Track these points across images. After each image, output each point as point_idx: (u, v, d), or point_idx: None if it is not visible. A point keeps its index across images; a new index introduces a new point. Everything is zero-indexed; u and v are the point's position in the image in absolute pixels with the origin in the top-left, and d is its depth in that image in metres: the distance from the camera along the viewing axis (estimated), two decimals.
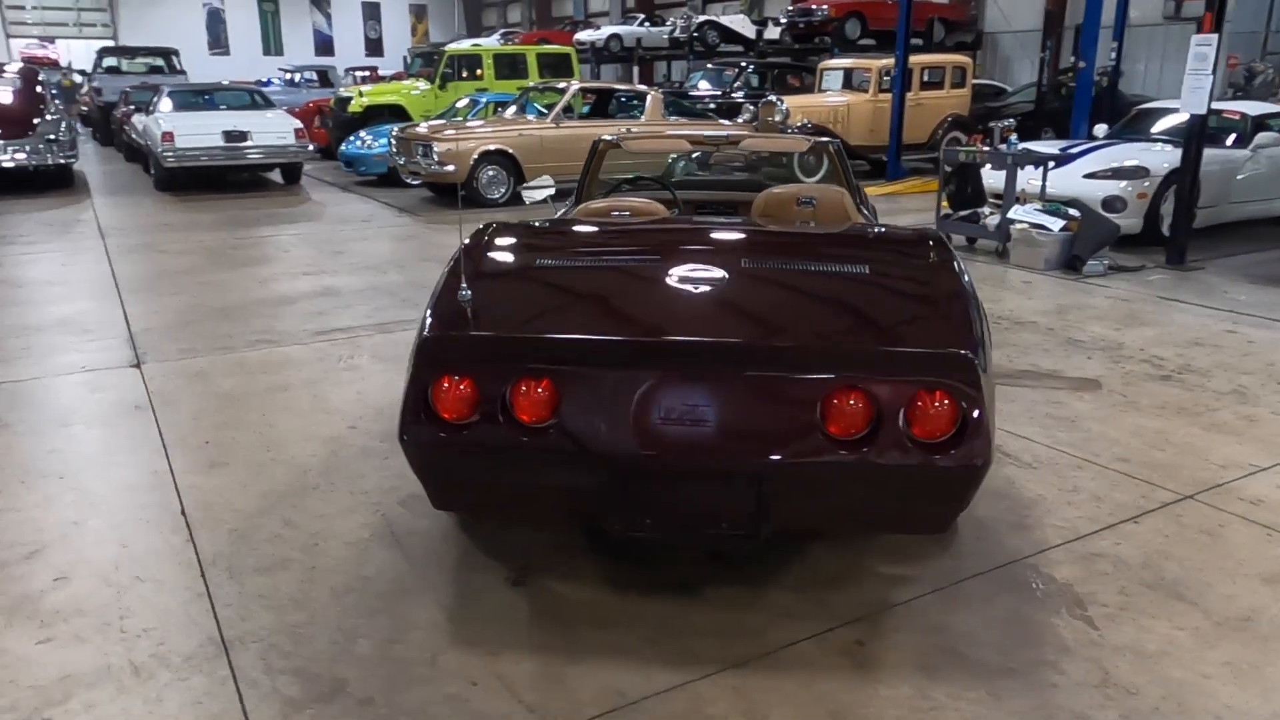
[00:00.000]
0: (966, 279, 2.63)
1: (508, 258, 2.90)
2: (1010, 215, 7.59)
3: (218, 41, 34.56)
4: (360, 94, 14.62)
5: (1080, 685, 2.36)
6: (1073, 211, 7.33)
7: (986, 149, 8.09)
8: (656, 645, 2.48)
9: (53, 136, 11.98)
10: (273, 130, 12.15)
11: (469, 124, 11.44)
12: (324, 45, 35.81)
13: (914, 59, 13.24)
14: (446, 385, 2.31)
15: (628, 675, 2.36)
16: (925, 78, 13.79)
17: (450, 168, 10.47)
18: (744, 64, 17.08)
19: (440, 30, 37.10)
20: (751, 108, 12.60)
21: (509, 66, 15.32)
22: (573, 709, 2.25)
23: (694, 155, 4.36)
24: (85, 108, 21.49)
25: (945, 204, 8.47)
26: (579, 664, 2.41)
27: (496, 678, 2.35)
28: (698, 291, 2.56)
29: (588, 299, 2.65)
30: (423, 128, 11.06)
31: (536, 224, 3.18)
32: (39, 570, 2.88)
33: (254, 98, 13.34)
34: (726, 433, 2.27)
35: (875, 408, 2.25)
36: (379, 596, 2.72)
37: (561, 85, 12.40)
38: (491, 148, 10.69)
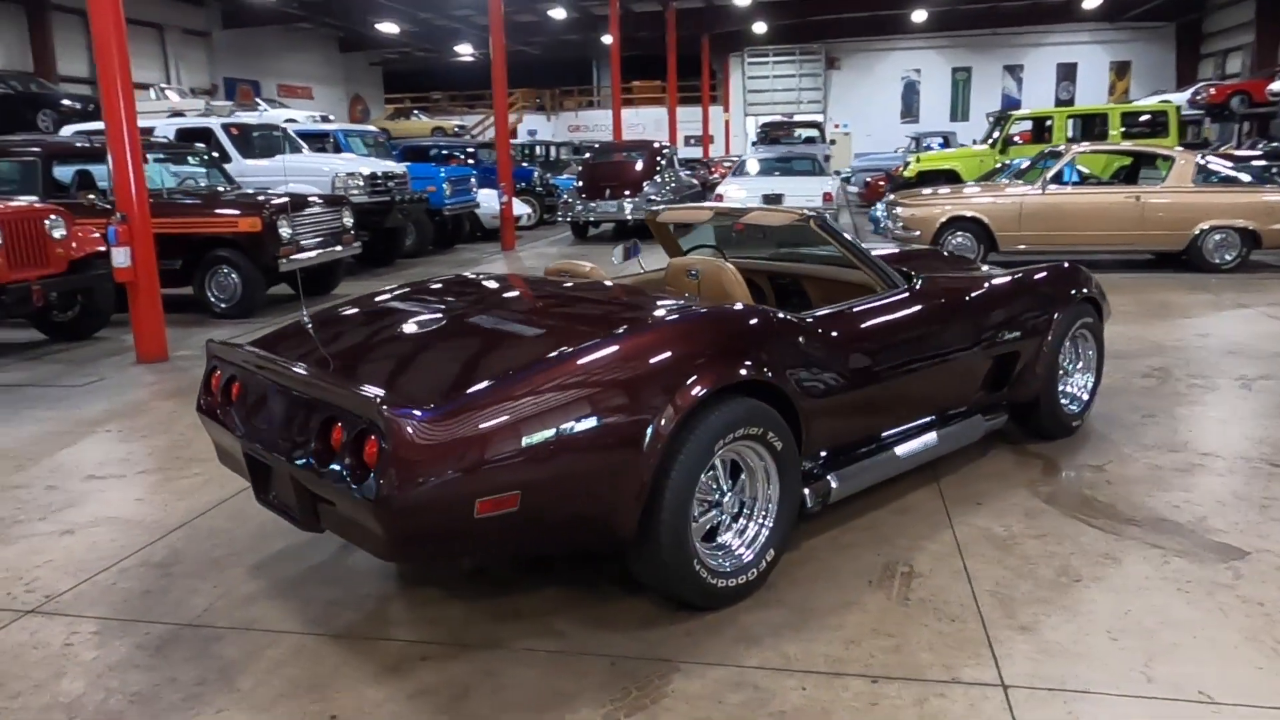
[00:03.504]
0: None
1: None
2: None
3: (909, 110, 37.25)
4: (918, 159, 15.06)
5: None
6: None
7: None
8: None
9: (655, 196, 15.13)
10: (803, 194, 13.48)
11: (943, 190, 11.22)
12: (1011, 108, 35.91)
13: None
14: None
15: None
16: None
17: (916, 233, 10.52)
18: None
19: (1145, 85, 34.22)
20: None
21: (1086, 127, 14.17)
22: None
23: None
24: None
25: None
26: None
27: None
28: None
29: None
30: (904, 194, 11.24)
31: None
32: None
33: (813, 164, 14.81)
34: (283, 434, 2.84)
35: (344, 438, 2.60)
36: None
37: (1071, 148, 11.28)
38: (962, 214, 10.40)
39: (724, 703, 2.57)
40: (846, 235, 3.93)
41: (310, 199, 9.56)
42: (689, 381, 2.84)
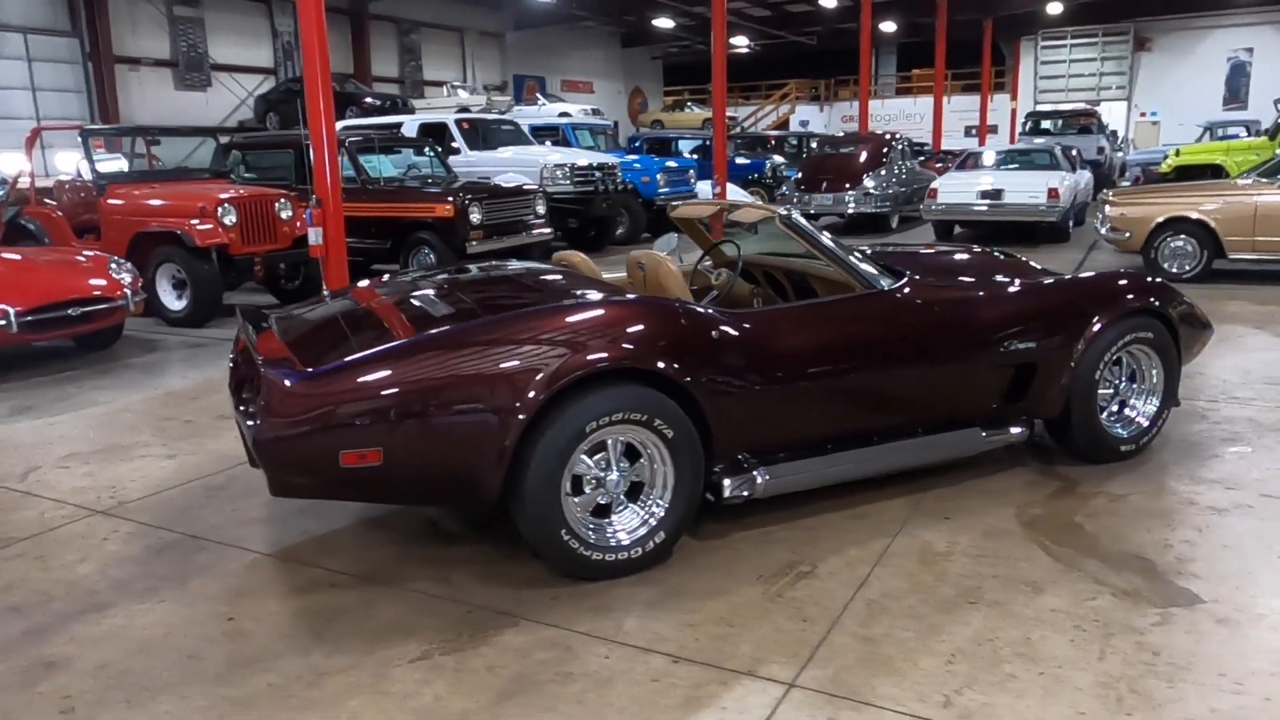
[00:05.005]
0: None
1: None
2: None
3: (1235, 95, 32.75)
4: (1177, 151, 13.47)
5: None
6: None
7: None
8: None
9: (873, 190, 14.78)
10: (1025, 190, 12.58)
11: (1163, 187, 10.00)
12: None
13: None
14: None
15: None
16: None
17: (1125, 235, 9.57)
18: None
19: None
20: None
21: None
22: None
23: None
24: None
25: None
26: None
27: None
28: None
29: None
30: (1120, 191, 10.19)
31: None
32: None
33: (1051, 157, 13.72)
34: None
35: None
36: None
37: None
38: (1182, 215, 9.29)
39: (528, 657, 2.82)
40: (820, 234, 3.90)
41: (504, 188, 10.47)
42: (561, 363, 3.07)
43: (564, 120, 15.97)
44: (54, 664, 2.85)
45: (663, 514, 3.33)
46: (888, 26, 32.83)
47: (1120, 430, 4.28)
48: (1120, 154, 25.11)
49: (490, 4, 29.12)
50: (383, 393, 2.98)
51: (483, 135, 13.08)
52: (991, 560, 3.38)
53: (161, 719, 2.56)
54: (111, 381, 6.42)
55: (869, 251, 4.66)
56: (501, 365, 3.06)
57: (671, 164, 15.42)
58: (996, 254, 5.04)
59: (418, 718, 2.54)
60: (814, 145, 17.77)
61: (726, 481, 3.46)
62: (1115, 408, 4.33)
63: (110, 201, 8.74)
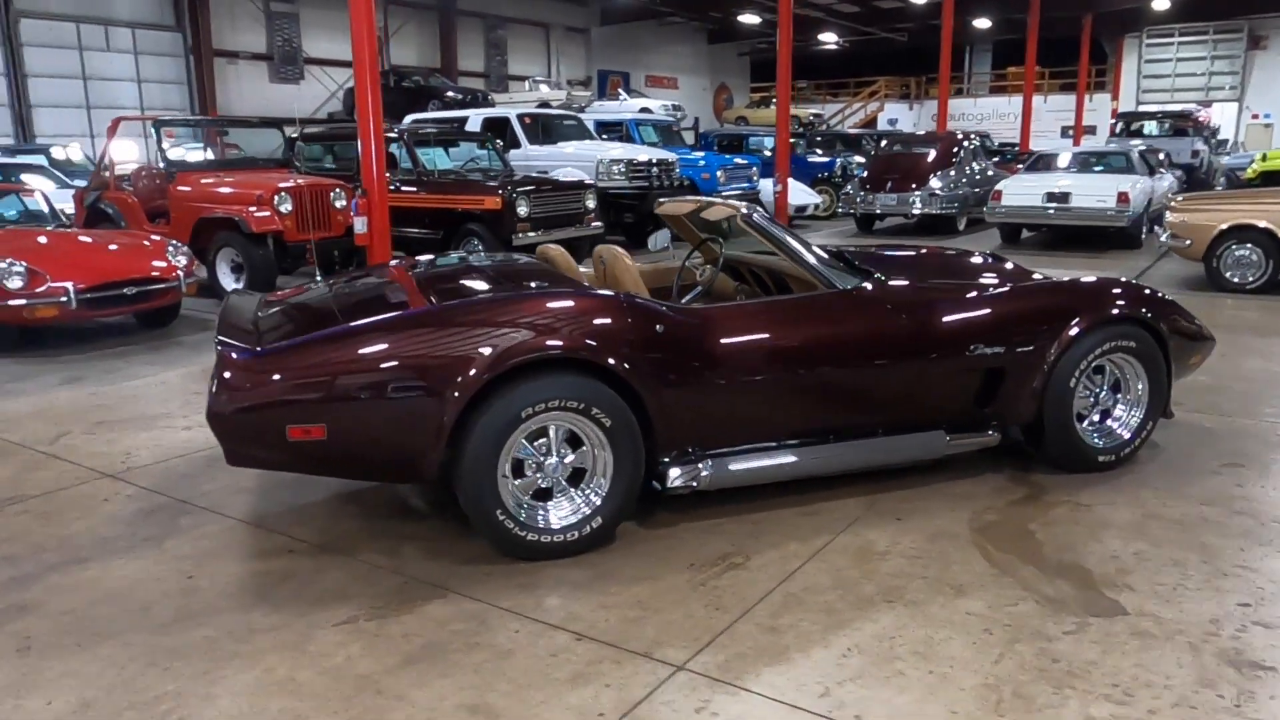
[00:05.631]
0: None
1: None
2: None
3: None
4: (1264, 156, 12.84)
5: None
6: None
7: None
8: None
9: (939, 190, 14.51)
10: (1094, 193, 12.18)
11: (1230, 193, 9.55)
12: None
13: None
14: None
15: None
16: None
17: (1186, 243, 9.21)
18: None
19: None
20: None
21: None
22: None
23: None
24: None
25: None
26: None
27: None
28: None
29: None
30: (1187, 197, 9.79)
31: None
32: None
33: (1128, 161, 13.24)
34: None
35: None
36: None
37: None
38: (1249, 222, 8.90)
39: (444, 628, 2.98)
40: (783, 233, 3.94)
41: (553, 181, 10.69)
42: (496, 350, 3.22)
43: (627, 116, 16.12)
44: (26, 608, 3.14)
45: (600, 501, 3.45)
46: (981, 23, 31.99)
47: (1098, 440, 4.20)
48: (1222, 158, 23.95)
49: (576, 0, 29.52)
50: (326, 371, 3.18)
51: (545, 130, 13.33)
52: (926, 562, 3.39)
53: (101, 661, 2.81)
54: (159, 357, 6.85)
55: (847, 251, 4.67)
56: (439, 350, 3.22)
57: (739, 160, 15.44)
58: (986, 258, 4.97)
59: (323, 674, 2.72)
60: (883, 143, 17.45)
61: (672, 472, 3.56)
62: (1097, 417, 4.25)
63: (178, 188, 9.28)
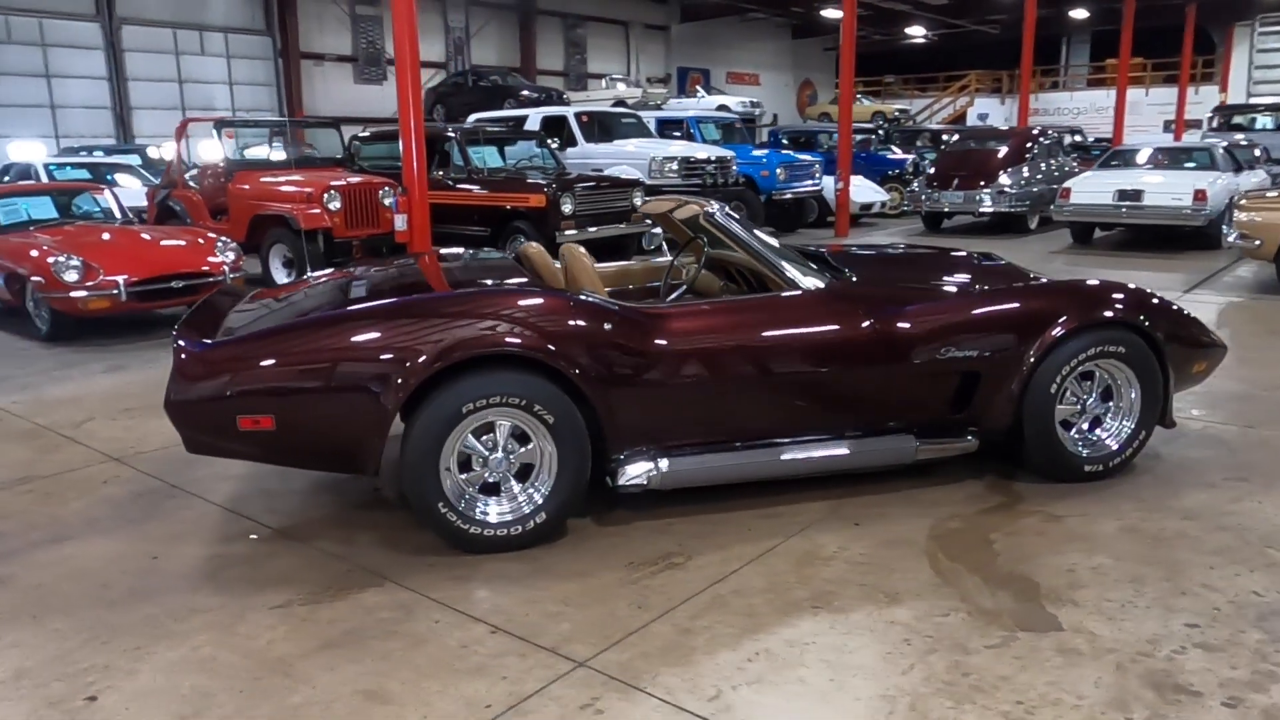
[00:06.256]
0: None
1: None
2: None
3: None
4: None
5: None
6: None
7: None
8: None
9: (1009, 188, 14.05)
10: (1168, 191, 11.62)
11: None
12: None
13: None
14: None
15: None
16: None
17: (1256, 243, 8.71)
18: None
19: None
20: None
21: None
22: None
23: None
24: None
25: None
26: None
27: None
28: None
29: None
30: (1254, 194, 9.25)
31: None
32: None
33: (1210, 157, 12.57)
34: None
35: None
36: None
37: None
38: None
39: (371, 615, 3.06)
40: (743, 232, 3.90)
41: (600, 179, 10.77)
42: (436, 347, 3.29)
43: (689, 114, 16.06)
44: (1, 581, 3.35)
45: (543, 497, 3.48)
46: (1079, 13, 30.79)
47: (1082, 449, 4.03)
48: None
49: None
50: (274, 364, 3.30)
51: (603, 128, 13.42)
52: (869, 569, 3.32)
53: (48, 634, 2.98)
54: None
55: (821, 250, 4.60)
56: (380, 347, 3.31)
57: (801, 157, 15.25)
58: (982, 260, 4.80)
59: (243, 656, 2.83)
60: (954, 138, 16.95)
61: (623, 470, 3.57)
62: (1086, 425, 4.08)
63: (237, 186, 9.69)
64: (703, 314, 3.70)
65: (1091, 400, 4.03)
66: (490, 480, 3.49)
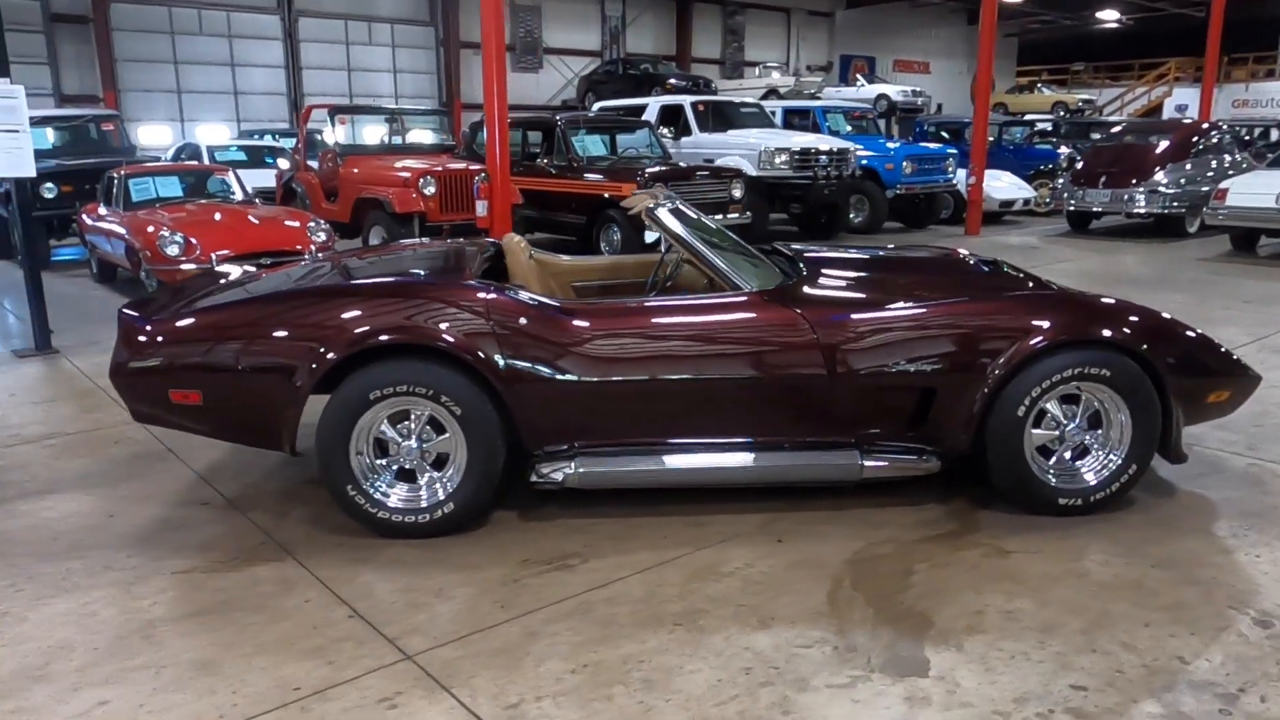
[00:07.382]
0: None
1: None
2: None
3: None
4: None
5: None
6: None
7: None
8: None
9: (1165, 187, 12.84)
10: None
11: None
12: None
13: None
14: None
15: None
16: None
17: None
18: None
19: None
20: None
21: None
22: None
23: None
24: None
25: None
26: None
27: None
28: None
29: None
30: None
31: None
32: None
33: None
34: None
35: None
36: None
37: None
38: None
39: (253, 588, 3.18)
40: (686, 230, 3.75)
41: (698, 169, 10.65)
42: (346, 334, 3.37)
43: (816, 104, 15.58)
44: None
45: (453, 487, 3.51)
46: None
47: (1053, 480, 3.65)
48: None
49: None
50: (200, 341, 3.48)
51: (722, 118, 13.26)
52: (760, 589, 3.15)
53: None
54: None
55: (790, 249, 4.36)
56: (298, 331, 3.42)
57: (931, 150, 14.52)
58: (975, 264, 4.41)
59: (121, 613, 3.02)
60: (1112, 130, 15.60)
61: (540, 466, 3.55)
62: (1068, 455, 3.69)
63: (347, 170, 10.23)
64: (625, 312, 3.60)
65: (1071, 427, 3.64)
66: (407, 467, 3.55)
